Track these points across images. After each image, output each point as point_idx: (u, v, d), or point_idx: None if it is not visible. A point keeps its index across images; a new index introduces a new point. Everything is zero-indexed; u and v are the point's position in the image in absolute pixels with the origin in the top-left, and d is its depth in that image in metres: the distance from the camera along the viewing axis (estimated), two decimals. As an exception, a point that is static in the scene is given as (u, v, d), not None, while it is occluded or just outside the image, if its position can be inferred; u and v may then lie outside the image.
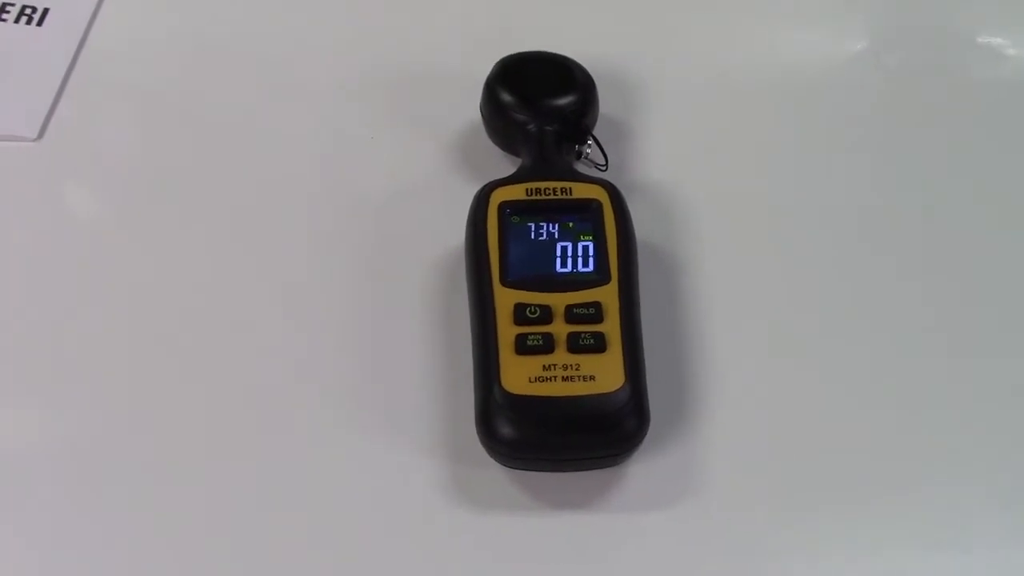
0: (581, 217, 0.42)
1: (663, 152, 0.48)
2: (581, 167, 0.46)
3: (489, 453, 0.37)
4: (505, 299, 0.39)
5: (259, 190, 0.47)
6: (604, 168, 0.46)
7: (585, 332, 0.38)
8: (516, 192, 0.42)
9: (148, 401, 0.41)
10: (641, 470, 0.38)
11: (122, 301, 0.43)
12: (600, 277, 0.40)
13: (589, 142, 0.46)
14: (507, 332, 0.38)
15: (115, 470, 0.39)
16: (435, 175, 0.48)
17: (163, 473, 0.39)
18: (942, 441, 0.40)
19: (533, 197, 0.42)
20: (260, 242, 0.46)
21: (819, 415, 0.40)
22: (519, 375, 0.37)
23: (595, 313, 0.38)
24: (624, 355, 0.37)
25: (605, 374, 0.37)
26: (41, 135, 0.49)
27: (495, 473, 0.38)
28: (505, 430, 0.36)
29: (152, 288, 0.44)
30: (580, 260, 0.41)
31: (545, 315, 0.38)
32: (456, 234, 0.43)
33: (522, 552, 0.37)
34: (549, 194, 0.42)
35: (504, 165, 0.46)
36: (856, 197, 0.47)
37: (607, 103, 0.48)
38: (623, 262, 0.40)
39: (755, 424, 0.40)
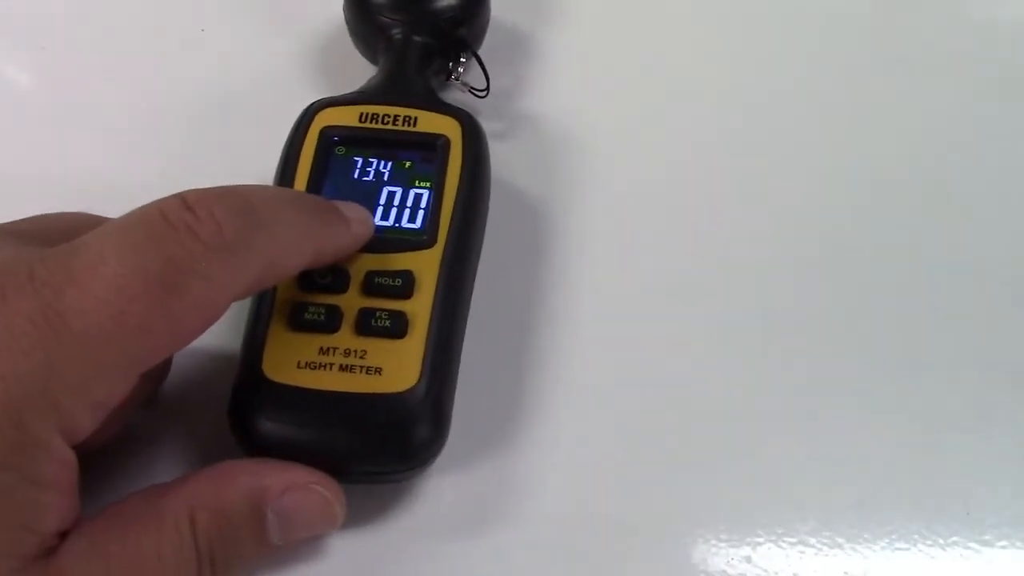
0: (423, 157, 0.33)
1: (567, 80, 0.39)
2: (453, 92, 0.37)
3: (240, 447, 0.29)
4: (296, 255, 0.31)
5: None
6: (483, 94, 0.37)
7: (382, 310, 0.30)
8: (346, 115, 0.33)
9: None
10: (436, 487, 0.30)
11: None
12: (425, 238, 0.31)
13: (463, 59, 0.37)
14: (285, 299, 0.30)
15: None
16: (279, 81, 0.39)
17: None
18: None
19: (366, 124, 0.33)
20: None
21: (687, 433, 0.32)
22: (286, 357, 0.29)
23: (401, 286, 0.30)
24: (428, 345, 0.29)
25: (396, 367, 0.29)
26: None
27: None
28: (255, 425, 0.28)
29: None
30: (407, 213, 0.32)
31: (339, 282, 0.30)
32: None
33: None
34: (387, 123, 0.33)
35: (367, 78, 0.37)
36: (787, 178, 0.37)
37: (510, 12, 0.39)
38: (460, 222, 0.32)
39: (601, 443, 0.31)
